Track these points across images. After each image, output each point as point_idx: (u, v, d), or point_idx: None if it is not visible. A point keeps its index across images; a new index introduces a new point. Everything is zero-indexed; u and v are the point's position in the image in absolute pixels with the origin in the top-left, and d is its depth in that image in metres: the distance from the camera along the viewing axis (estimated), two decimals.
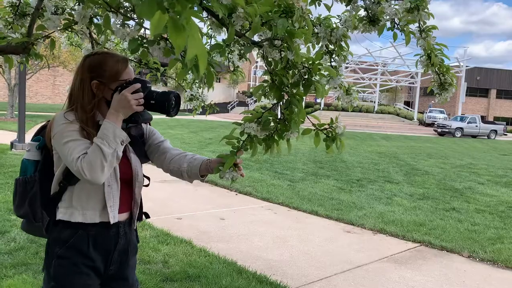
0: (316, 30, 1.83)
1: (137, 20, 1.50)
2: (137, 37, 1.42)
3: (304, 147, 14.05)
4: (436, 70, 1.89)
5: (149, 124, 1.85)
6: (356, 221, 5.81)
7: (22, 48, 1.50)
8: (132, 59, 2.36)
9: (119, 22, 1.43)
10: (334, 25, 1.89)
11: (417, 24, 1.83)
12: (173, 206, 6.06)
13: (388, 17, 1.83)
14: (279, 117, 1.66)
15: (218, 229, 5.13)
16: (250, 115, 1.68)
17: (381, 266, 4.32)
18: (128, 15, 1.45)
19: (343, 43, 1.90)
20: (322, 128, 1.75)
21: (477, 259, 4.70)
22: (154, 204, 5.91)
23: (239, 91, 51.07)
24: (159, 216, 5.38)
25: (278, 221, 5.68)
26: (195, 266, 3.81)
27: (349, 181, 8.83)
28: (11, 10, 2.17)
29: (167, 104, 1.57)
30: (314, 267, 4.16)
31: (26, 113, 10.20)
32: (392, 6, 1.78)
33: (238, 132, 1.68)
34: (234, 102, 45.23)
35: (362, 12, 1.97)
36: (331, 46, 1.97)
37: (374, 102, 42.71)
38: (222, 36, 1.88)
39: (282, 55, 1.54)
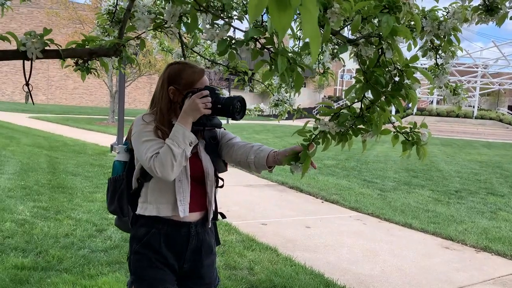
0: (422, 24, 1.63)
1: (226, 19, 1.43)
2: (225, 37, 1.35)
3: (395, 154, 13.35)
4: None
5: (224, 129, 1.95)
6: (456, 237, 5.30)
7: (113, 51, 1.52)
8: (221, 63, 2.33)
9: (208, 22, 1.38)
10: (442, 18, 1.67)
11: None
12: (258, 210, 6.02)
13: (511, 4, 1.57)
14: (358, 114, 1.55)
15: (304, 237, 4.98)
16: (327, 109, 1.62)
17: None
18: (217, 14, 1.38)
19: (452, 37, 1.67)
20: (402, 131, 1.61)
21: None
22: (240, 208, 5.93)
23: (325, 96, 50.38)
24: (244, 221, 5.37)
25: (368, 233, 5.38)
26: (281, 276, 3.70)
27: (447, 192, 8.16)
28: (108, 17, 2.24)
29: (232, 107, 1.64)
30: (409, 285, 3.83)
31: (124, 117, 10.91)
32: None
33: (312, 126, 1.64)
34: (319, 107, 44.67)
35: (474, 2, 1.72)
36: (437, 41, 1.75)
37: (473, 107, 39.61)
38: None
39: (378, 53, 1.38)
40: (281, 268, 3.87)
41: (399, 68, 1.40)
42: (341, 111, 1.55)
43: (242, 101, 1.68)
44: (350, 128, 1.55)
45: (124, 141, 1.87)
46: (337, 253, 4.54)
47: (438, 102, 39.97)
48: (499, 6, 1.65)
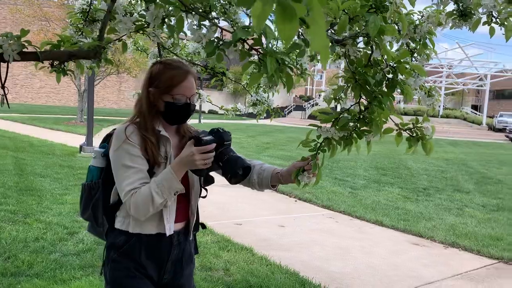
0: (396, 27, 1.67)
1: (213, 21, 1.41)
2: (213, 39, 1.33)
3: (364, 152, 13.60)
4: None
5: None
6: (425, 233, 5.46)
7: (93, 53, 1.48)
8: (199, 63, 2.32)
9: (195, 23, 1.35)
10: (417, 22, 1.72)
11: None
12: (233, 211, 6.02)
13: (485, 10, 1.63)
14: (358, 116, 1.56)
15: (278, 236, 5.01)
16: (327, 116, 1.61)
17: (455, 284, 4.00)
18: (203, 15, 1.36)
19: (428, 41, 1.72)
20: (405, 127, 1.63)
21: None
22: (215, 208, 5.91)
23: (296, 96, 50.81)
24: (219, 221, 5.35)
25: (340, 231, 5.46)
26: (257, 276, 3.71)
27: (415, 190, 8.38)
28: (81, 16, 2.19)
29: (231, 174, 1.56)
30: (380, 282, 3.92)
31: (94, 117, 10.68)
32: None
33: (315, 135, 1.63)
34: (291, 107, 45.06)
35: (449, 7, 1.78)
36: (413, 44, 1.80)
37: (439, 106, 40.82)
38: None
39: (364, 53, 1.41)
40: (257, 268, 3.88)
41: (392, 65, 1.41)
42: (341, 115, 1.55)
43: (247, 169, 1.58)
44: (354, 131, 1.56)
45: (100, 144, 1.76)
46: (311, 251, 4.59)
47: (405, 102, 40.98)
48: (473, 11, 1.71)
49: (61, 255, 3.81)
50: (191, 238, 1.79)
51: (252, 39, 1.28)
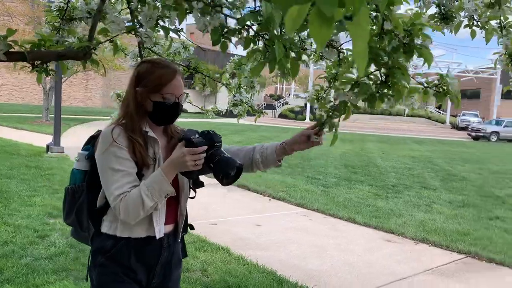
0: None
1: (217, 7, 1.37)
2: (218, 26, 1.28)
3: (334, 151, 13.80)
4: None
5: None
6: (396, 230, 5.59)
7: (83, 54, 1.42)
8: (181, 63, 2.28)
9: (199, 8, 1.30)
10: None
11: (497, 21, 1.68)
12: (208, 210, 5.98)
13: (467, 13, 1.68)
14: (381, 80, 1.54)
15: (254, 236, 5.02)
16: (348, 78, 1.59)
17: (427, 279, 4.12)
18: (207, 2, 1.32)
19: None
20: (431, 85, 1.64)
21: None
22: (190, 209, 5.84)
23: (266, 94, 50.99)
24: (194, 221, 5.29)
25: (315, 229, 5.52)
26: (235, 275, 3.70)
27: (384, 187, 8.57)
28: (58, 14, 2.12)
29: (223, 175, 1.52)
30: (357, 279, 3.99)
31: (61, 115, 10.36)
32: (472, 1, 1.63)
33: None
34: (262, 105, 45.15)
35: (430, 10, 1.82)
36: None
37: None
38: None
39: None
40: (234, 268, 3.88)
41: (406, 29, 1.38)
42: (361, 80, 1.52)
43: (239, 170, 1.54)
44: (377, 93, 1.52)
45: (83, 146, 1.71)
46: (287, 250, 4.62)
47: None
48: (454, 15, 1.76)
49: (32, 259, 3.68)
50: (179, 240, 1.77)
51: (258, 24, 1.23)
